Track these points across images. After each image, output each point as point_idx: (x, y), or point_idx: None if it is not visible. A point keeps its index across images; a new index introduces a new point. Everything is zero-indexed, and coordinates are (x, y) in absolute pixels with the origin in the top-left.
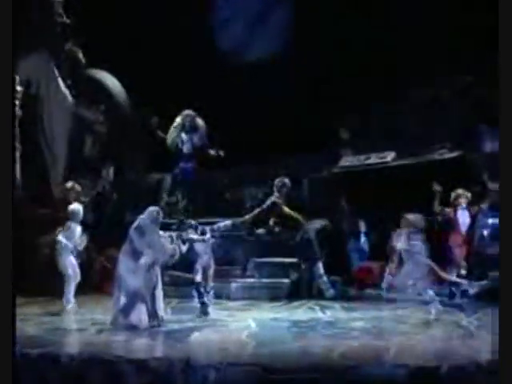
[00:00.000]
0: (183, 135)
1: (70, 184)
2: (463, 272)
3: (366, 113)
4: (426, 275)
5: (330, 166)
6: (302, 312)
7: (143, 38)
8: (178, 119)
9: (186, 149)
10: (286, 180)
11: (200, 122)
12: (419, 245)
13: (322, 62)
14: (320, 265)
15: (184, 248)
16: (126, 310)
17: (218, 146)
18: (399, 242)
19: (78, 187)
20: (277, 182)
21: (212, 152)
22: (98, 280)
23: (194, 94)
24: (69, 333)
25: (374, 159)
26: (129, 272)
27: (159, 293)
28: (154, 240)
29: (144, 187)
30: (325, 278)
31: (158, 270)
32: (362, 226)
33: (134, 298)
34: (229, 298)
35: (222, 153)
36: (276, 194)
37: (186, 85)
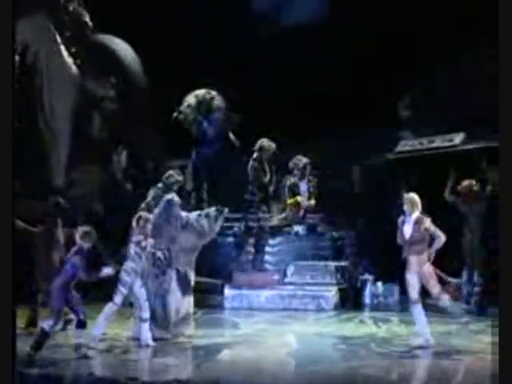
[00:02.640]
0: (200, 117)
1: None
2: None
3: (430, 86)
4: None
5: (385, 150)
6: (353, 326)
7: None
8: (193, 100)
9: (204, 132)
10: (305, 160)
11: (218, 101)
12: None
13: (371, 26)
14: None
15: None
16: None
17: (246, 126)
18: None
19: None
20: (293, 161)
21: (232, 137)
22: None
23: (222, 66)
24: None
25: (439, 142)
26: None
27: (171, 300)
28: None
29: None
30: None
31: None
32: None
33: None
34: (263, 308)
35: (237, 143)
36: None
37: (211, 54)
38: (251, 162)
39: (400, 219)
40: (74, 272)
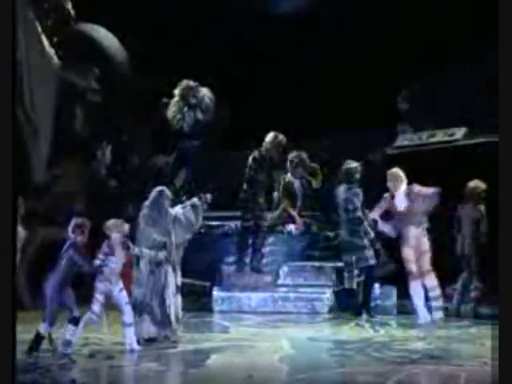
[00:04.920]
0: (185, 110)
1: None
2: None
3: (430, 78)
4: None
5: (383, 145)
6: (348, 330)
7: None
8: (177, 91)
9: (188, 126)
10: (304, 155)
11: (205, 92)
12: None
13: (370, 21)
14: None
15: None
16: None
17: (233, 120)
18: None
19: None
20: (291, 157)
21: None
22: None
23: (212, 58)
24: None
25: (439, 137)
26: None
27: (170, 295)
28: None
29: (150, 173)
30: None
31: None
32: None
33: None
34: (255, 311)
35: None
36: (289, 174)
37: (201, 45)
38: (255, 155)
39: (385, 196)
40: (71, 267)
